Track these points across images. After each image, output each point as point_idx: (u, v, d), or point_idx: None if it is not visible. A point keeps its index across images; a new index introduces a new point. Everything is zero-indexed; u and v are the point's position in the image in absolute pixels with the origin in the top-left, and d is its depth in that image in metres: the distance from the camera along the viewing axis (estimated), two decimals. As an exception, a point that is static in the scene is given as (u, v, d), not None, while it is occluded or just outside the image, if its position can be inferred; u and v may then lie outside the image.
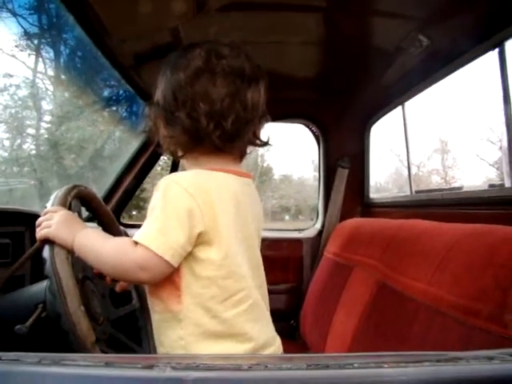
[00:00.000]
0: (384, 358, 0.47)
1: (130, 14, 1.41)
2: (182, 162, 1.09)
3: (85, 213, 1.19)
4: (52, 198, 1.00)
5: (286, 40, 1.68)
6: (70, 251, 0.94)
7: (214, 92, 0.96)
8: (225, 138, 0.97)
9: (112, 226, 1.28)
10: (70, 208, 1.03)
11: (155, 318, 1.00)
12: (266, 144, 1.08)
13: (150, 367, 0.43)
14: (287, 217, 12.63)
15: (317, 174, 2.80)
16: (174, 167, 2.49)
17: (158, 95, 1.02)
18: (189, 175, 0.98)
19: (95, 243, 0.96)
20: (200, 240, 0.91)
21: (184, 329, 0.93)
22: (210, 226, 0.91)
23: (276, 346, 1.06)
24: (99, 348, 0.93)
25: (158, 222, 0.89)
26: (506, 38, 1.33)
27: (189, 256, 0.91)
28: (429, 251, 1.28)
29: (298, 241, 2.59)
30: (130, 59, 1.72)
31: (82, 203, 1.14)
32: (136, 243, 0.89)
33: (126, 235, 1.59)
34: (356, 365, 0.44)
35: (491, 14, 1.33)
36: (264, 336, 1.02)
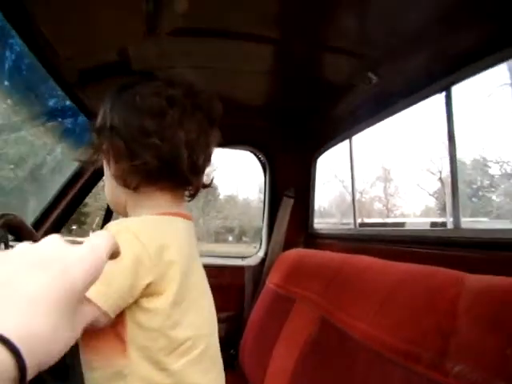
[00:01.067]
0: None
1: (77, 31, 1.35)
2: (118, 203, 1.03)
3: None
4: None
5: (237, 67, 1.66)
6: None
7: (188, 123, 0.93)
8: (193, 170, 0.95)
9: None
10: None
11: (93, 376, 0.89)
12: (209, 186, 1.06)
13: None
14: (231, 238, 12.62)
15: (261, 196, 2.80)
16: (109, 213, 2.43)
17: (115, 122, 0.94)
18: (141, 221, 0.91)
19: None
20: (148, 291, 0.83)
21: None
22: (160, 275, 0.84)
23: None
24: None
25: None
26: (453, 83, 1.36)
27: (134, 306, 0.84)
28: (371, 290, 1.27)
29: (241, 268, 2.55)
30: (75, 77, 1.65)
31: (11, 232, 1.06)
32: None
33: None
34: None
35: (440, 59, 1.37)
36: None
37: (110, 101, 0.99)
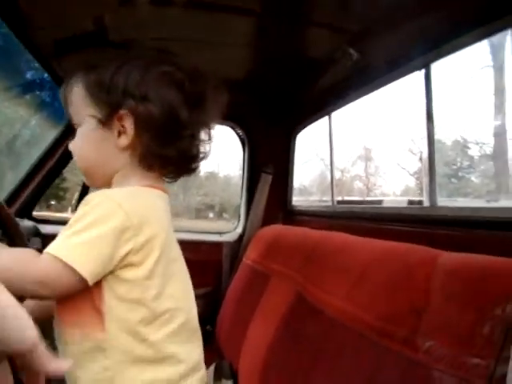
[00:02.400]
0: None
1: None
2: (104, 171, 0.96)
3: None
4: None
5: (216, 39, 1.63)
6: None
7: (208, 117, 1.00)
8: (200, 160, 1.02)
9: (14, 231, 1.17)
10: None
11: (69, 351, 0.87)
12: None
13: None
14: (211, 214, 12.59)
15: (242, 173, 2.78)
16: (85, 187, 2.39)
17: (151, 95, 0.89)
18: (123, 192, 0.90)
19: None
20: (126, 261, 0.83)
21: (109, 358, 0.84)
22: (140, 245, 0.84)
23: (204, 369, 1.02)
24: None
25: (80, 236, 0.79)
26: (432, 61, 1.36)
27: (112, 278, 0.83)
28: (347, 267, 1.27)
29: (219, 244, 2.55)
30: (50, 48, 1.60)
31: None
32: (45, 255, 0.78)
33: (37, 232, 1.49)
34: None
35: (420, 36, 1.36)
36: (195, 357, 0.97)
37: (136, 70, 0.92)
